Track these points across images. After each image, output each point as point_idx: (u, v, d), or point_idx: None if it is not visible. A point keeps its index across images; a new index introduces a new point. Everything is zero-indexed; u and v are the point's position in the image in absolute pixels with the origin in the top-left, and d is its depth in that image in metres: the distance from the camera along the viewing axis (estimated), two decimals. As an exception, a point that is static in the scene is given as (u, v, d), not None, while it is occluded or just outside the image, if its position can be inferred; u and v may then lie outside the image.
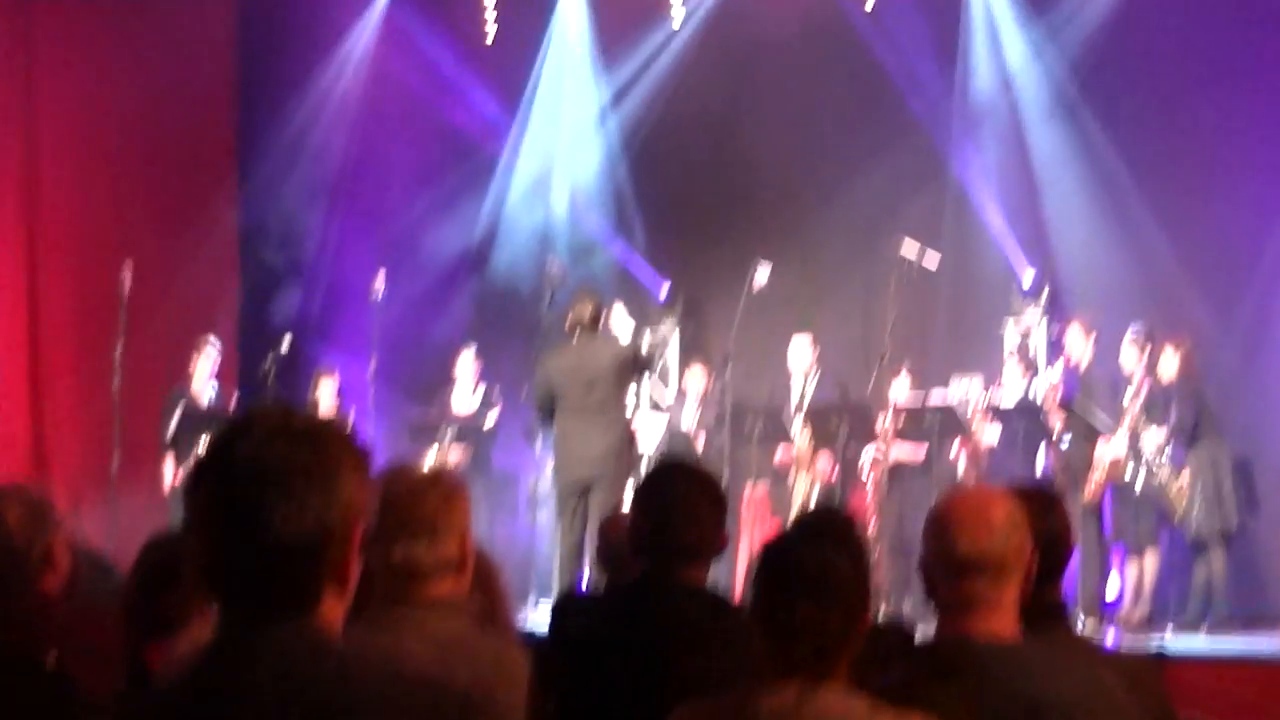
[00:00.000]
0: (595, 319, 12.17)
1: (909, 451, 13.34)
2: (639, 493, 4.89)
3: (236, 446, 2.42)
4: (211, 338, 14.17)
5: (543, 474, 14.09)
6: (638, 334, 14.01)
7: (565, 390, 12.03)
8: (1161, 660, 8.76)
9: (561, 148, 16.99)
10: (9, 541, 4.76)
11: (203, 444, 12.89)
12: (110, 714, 3.77)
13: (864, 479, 13.60)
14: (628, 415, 12.39)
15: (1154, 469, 12.13)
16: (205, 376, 13.98)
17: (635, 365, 12.18)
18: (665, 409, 14.75)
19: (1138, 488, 12.23)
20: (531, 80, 17.00)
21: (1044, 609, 4.43)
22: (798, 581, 3.37)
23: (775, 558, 3.47)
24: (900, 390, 13.46)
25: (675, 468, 5.06)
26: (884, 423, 13.26)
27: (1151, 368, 12.33)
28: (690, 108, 15.92)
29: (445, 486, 4.09)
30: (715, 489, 4.77)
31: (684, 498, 4.65)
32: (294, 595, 2.44)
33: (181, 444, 13.44)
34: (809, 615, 3.33)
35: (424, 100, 16.50)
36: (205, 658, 2.48)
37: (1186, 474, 12.03)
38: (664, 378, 15.74)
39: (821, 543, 3.44)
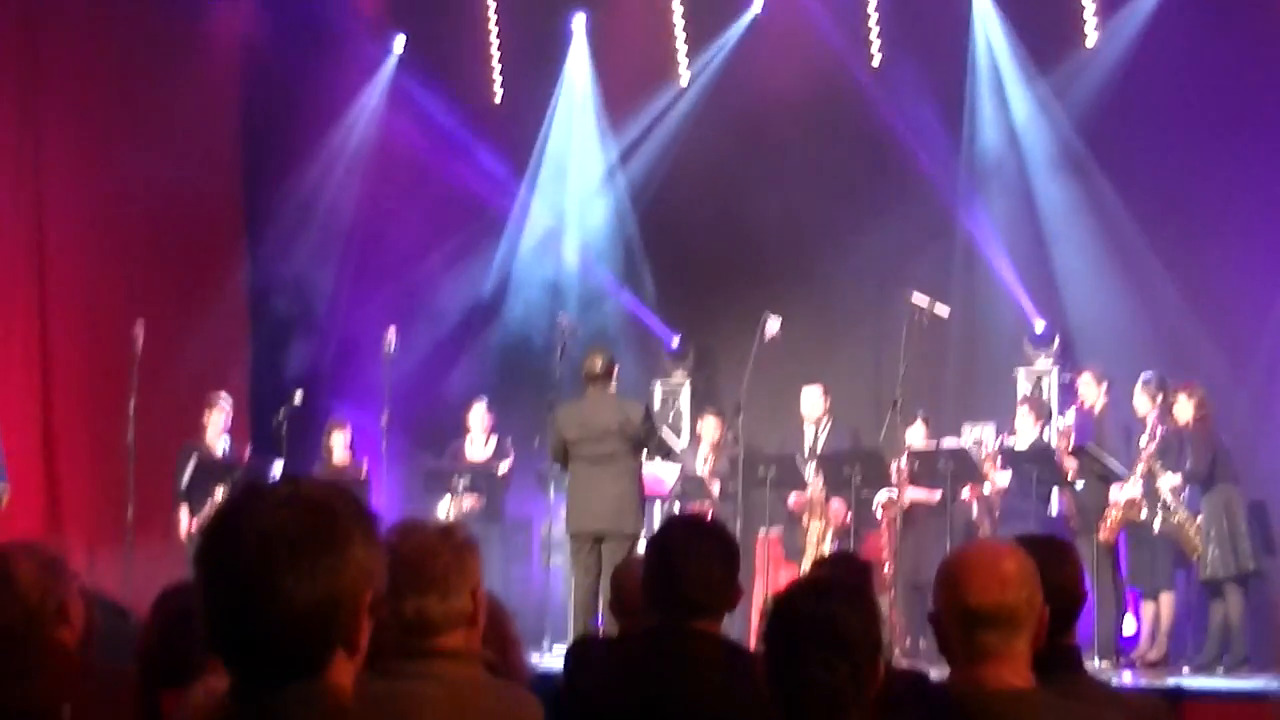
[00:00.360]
0: (607, 372, 12.26)
1: (923, 495, 13.35)
2: (651, 546, 4.89)
3: (245, 515, 2.43)
4: (223, 394, 14.24)
5: (556, 519, 14.12)
6: (649, 385, 14.06)
7: (576, 441, 12.18)
8: (1176, 700, 8.76)
9: (571, 204, 17.08)
10: (22, 597, 4.77)
11: (219, 493, 13.06)
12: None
13: (878, 522, 13.62)
14: (639, 464, 12.41)
15: (1171, 509, 12.12)
16: (218, 430, 14.05)
17: (641, 427, 12.20)
18: (678, 456, 14.77)
19: (1156, 527, 12.22)
20: (540, 139, 17.10)
21: (1058, 655, 4.44)
22: (806, 634, 3.37)
23: (784, 611, 3.48)
24: (915, 437, 13.49)
25: (688, 522, 5.08)
26: (899, 465, 13.28)
27: (1165, 413, 12.33)
28: (698, 164, 15.98)
29: (457, 541, 4.10)
30: (729, 544, 4.76)
31: (697, 554, 4.64)
32: (304, 660, 2.44)
33: (196, 495, 13.48)
34: (818, 668, 3.34)
35: (432, 159, 16.59)
36: (217, 718, 2.49)
37: (1202, 518, 12.03)
38: (676, 426, 15.78)
39: (830, 596, 3.46)
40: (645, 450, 12.47)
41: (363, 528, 2.48)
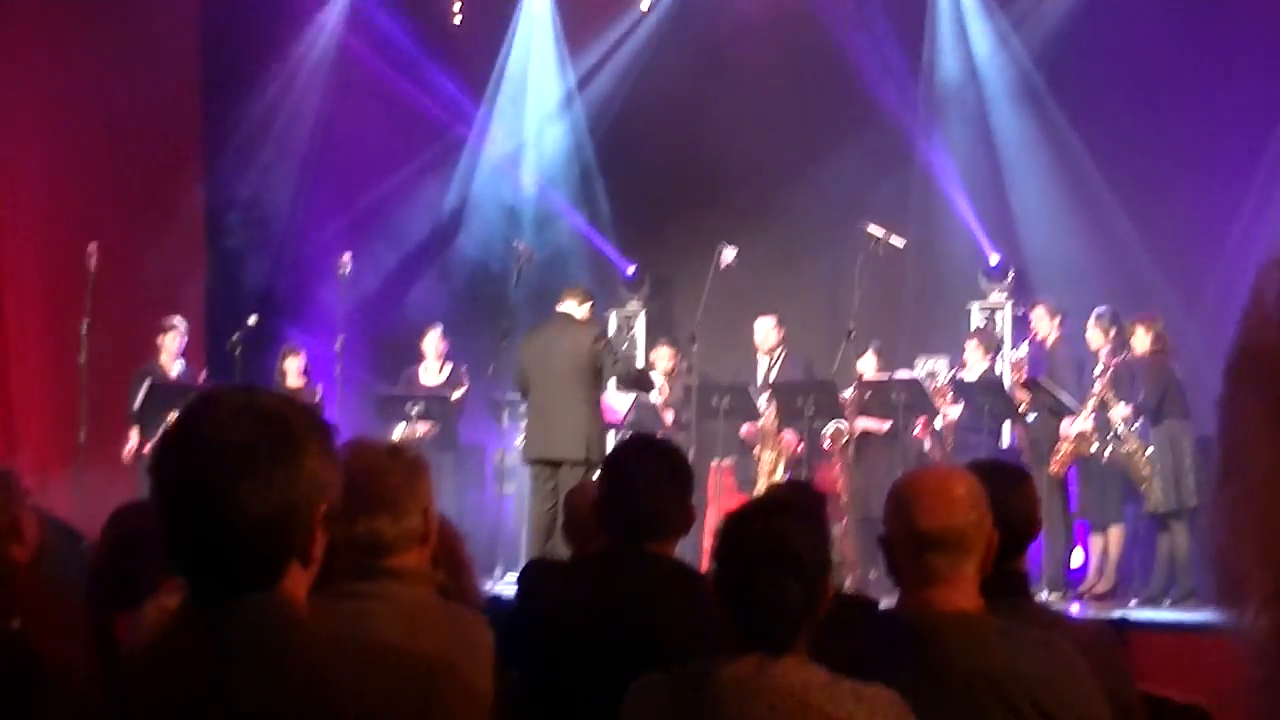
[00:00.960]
0: (579, 306, 12.42)
1: (874, 425, 13.38)
2: (605, 468, 4.90)
3: (201, 425, 2.44)
4: (177, 318, 14.14)
5: (509, 447, 14.16)
6: (603, 314, 14.10)
7: (534, 372, 12.26)
8: (1122, 630, 8.84)
9: (529, 129, 17.01)
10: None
11: (172, 418, 12.90)
12: (73, 680, 3.78)
13: (830, 451, 13.66)
14: (598, 394, 12.47)
15: (1121, 439, 12.19)
16: (173, 354, 13.96)
17: (600, 355, 12.26)
18: (649, 379, 14.81)
19: (1105, 457, 12.28)
20: (499, 62, 17.01)
21: (1007, 581, 4.49)
22: (757, 553, 3.40)
23: (735, 530, 3.50)
24: (867, 367, 13.52)
25: (642, 443, 5.07)
26: (849, 395, 13.32)
27: (1118, 347, 12.38)
28: (657, 91, 15.94)
29: (407, 460, 4.10)
30: (682, 465, 4.76)
31: (650, 474, 4.65)
32: (259, 571, 2.46)
33: (149, 418, 13.39)
34: (769, 586, 3.36)
35: (391, 82, 16.48)
36: (171, 629, 2.50)
37: (1151, 449, 12.09)
38: (630, 355, 15.80)
39: (780, 516, 3.48)
40: (611, 376, 12.53)
41: (318, 439, 2.49)
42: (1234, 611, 0.93)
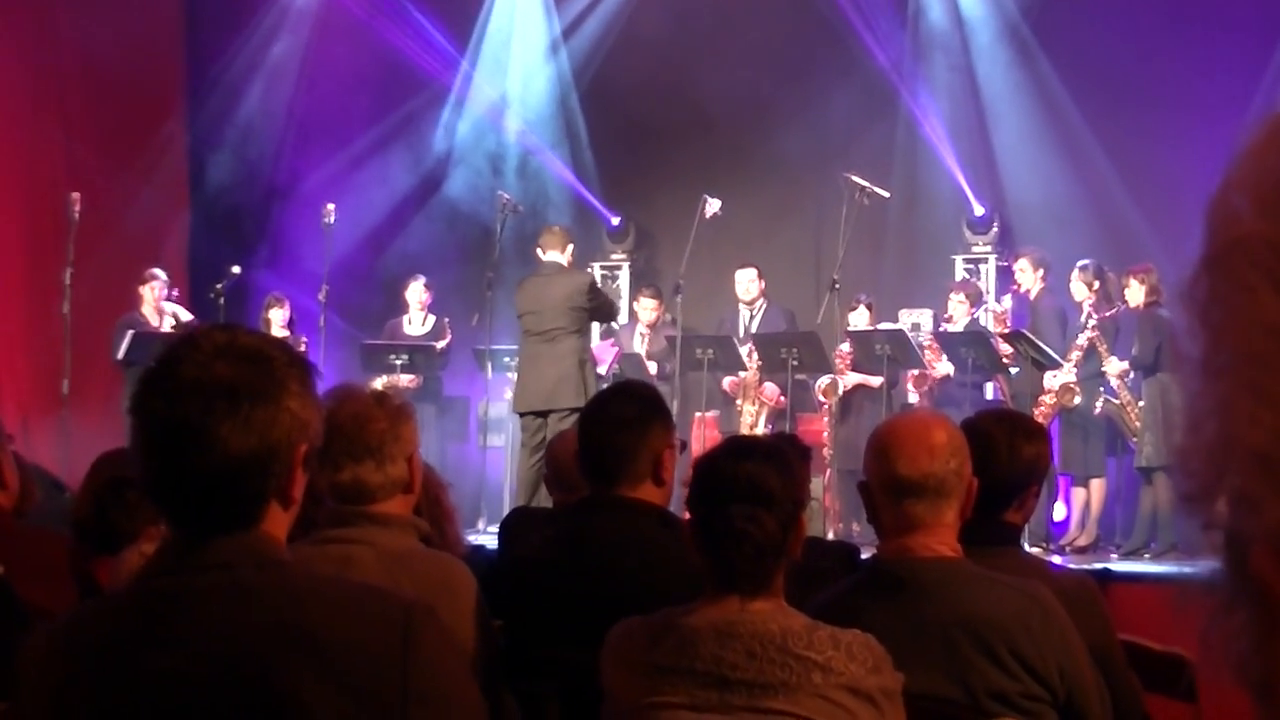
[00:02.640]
0: (560, 249, 12.43)
1: (864, 379, 13.37)
2: (584, 414, 4.88)
3: (182, 364, 2.44)
4: (157, 270, 14.09)
5: (493, 398, 14.17)
6: (588, 264, 14.09)
7: (524, 320, 12.30)
8: (1104, 581, 8.88)
9: (513, 79, 16.94)
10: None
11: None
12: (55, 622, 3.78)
13: (819, 406, 13.67)
14: (586, 342, 12.49)
15: (1116, 391, 12.20)
16: (154, 304, 13.92)
17: (588, 300, 12.29)
18: (616, 334, 14.83)
19: (1098, 408, 12.29)
20: (484, 10, 16.93)
21: (999, 530, 4.52)
22: (729, 491, 3.40)
23: (707, 472, 3.51)
24: (859, 321, 13.48)
25: (614, 388, 5.05)
26: (841, 350, 13.32)
27: (1103, 300, 12.37)
28: (642, 41, 15.87)
29: (392, 408, 4.11)
30: (650, 407, 4.68)
31: (616, 416, 4.63)
32: (239, 510, 2.47)
33: (136, 365, 13.39)
34: (744, 521, 3.37)
35: (376, 30, 16.39)
36: (151, 568, 2.51)
37: (1143, 403, 12.09)
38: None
39: (749, 456, 3.49)
40: (596, 318, 12.57)
41: (299, 378, 2.50)
42: (1217, 513, 0.92)
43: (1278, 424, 0.87)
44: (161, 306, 13.87)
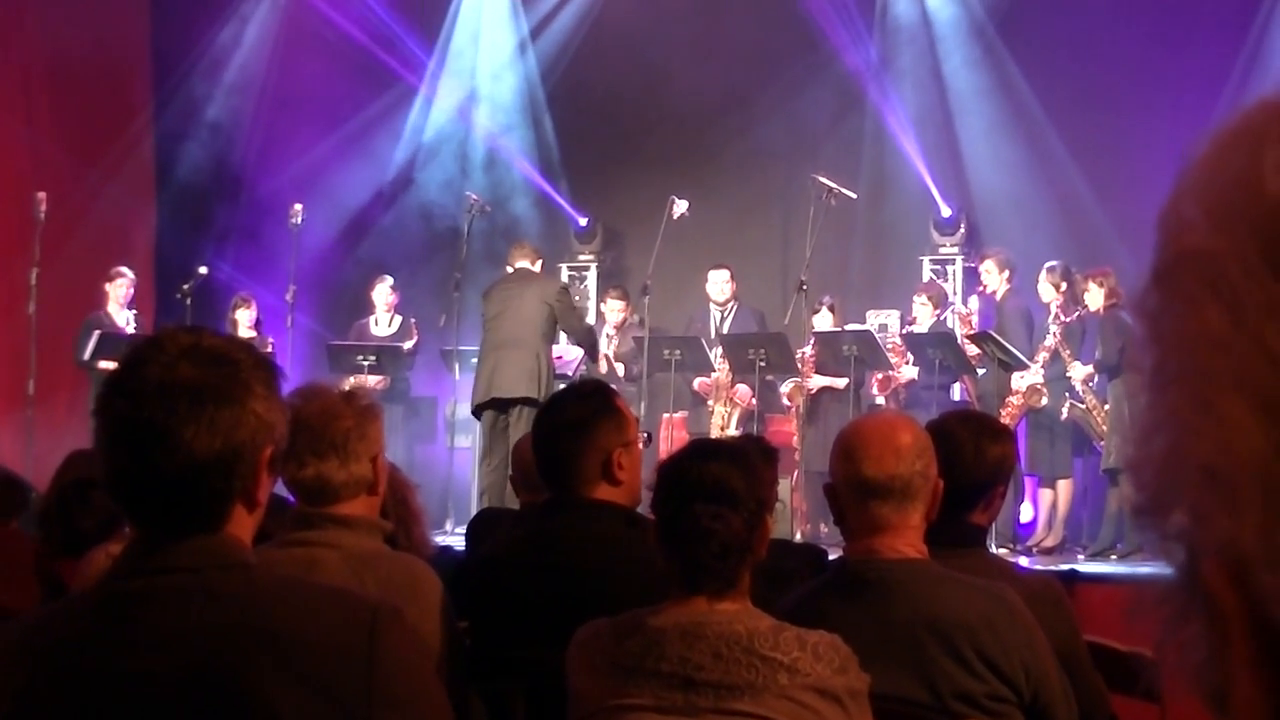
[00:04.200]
0: (531, 263, 12.52)
1: (830, 382, 13.38)
2: (537, 417, 4.85)
3: (147, 366, 2.43)
4: (123, 268, 14.06)
5: (461, 399, 14.16)
6: (555, 265, 14.11)
7: (488, 322, 12.32)
8: (1070, 582, 8.91)
9: (482, 79, 16.93)
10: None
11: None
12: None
13: (786, 408, 13.69)
14: (550, 345, 12.49)
15: (1081, 396, 12.23)
16: (120, 304, 13.89)
17: (558, 300, 12.31)
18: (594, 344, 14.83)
19: (1064, 413, 12.32)
20: (451, 10, 16.92)
21: (963, 532, 4.53)
22: (695, 491, 3.41)
23: (672, 473, 3.52)
24: (823, 324, 13.49)
25: (572, 390, 5.01)
26: (804, 353, 13.32)
27: (1070, 302, 12.40)
28: (611, 41, 15.88)
29: (359, 407, 4.10)
30: (611, 407, 4.64)
31: (575, 420, 4.60)
32: (203, 512, 2.46)
33: (102, 367, 13.36)
34: (709, 519, 3.37)
35: (343, 29, 16.37)
36: (117, 570, 2.51)
37: (1109, 406, 12.13)
38: (581, 307, 15.81)
39: (714, 457, 3.49)
40: (566, 327, 12.55)
41: (264, 381, 2.49)
42: (1173, 528, 0.93)
43: (1223, 438, 0.88)
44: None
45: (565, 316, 12.44)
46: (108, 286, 13.86)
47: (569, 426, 4.54)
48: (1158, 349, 0.96)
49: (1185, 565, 0.93)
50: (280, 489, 2.66)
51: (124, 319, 13.84)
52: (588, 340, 13.10)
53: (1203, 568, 0.91)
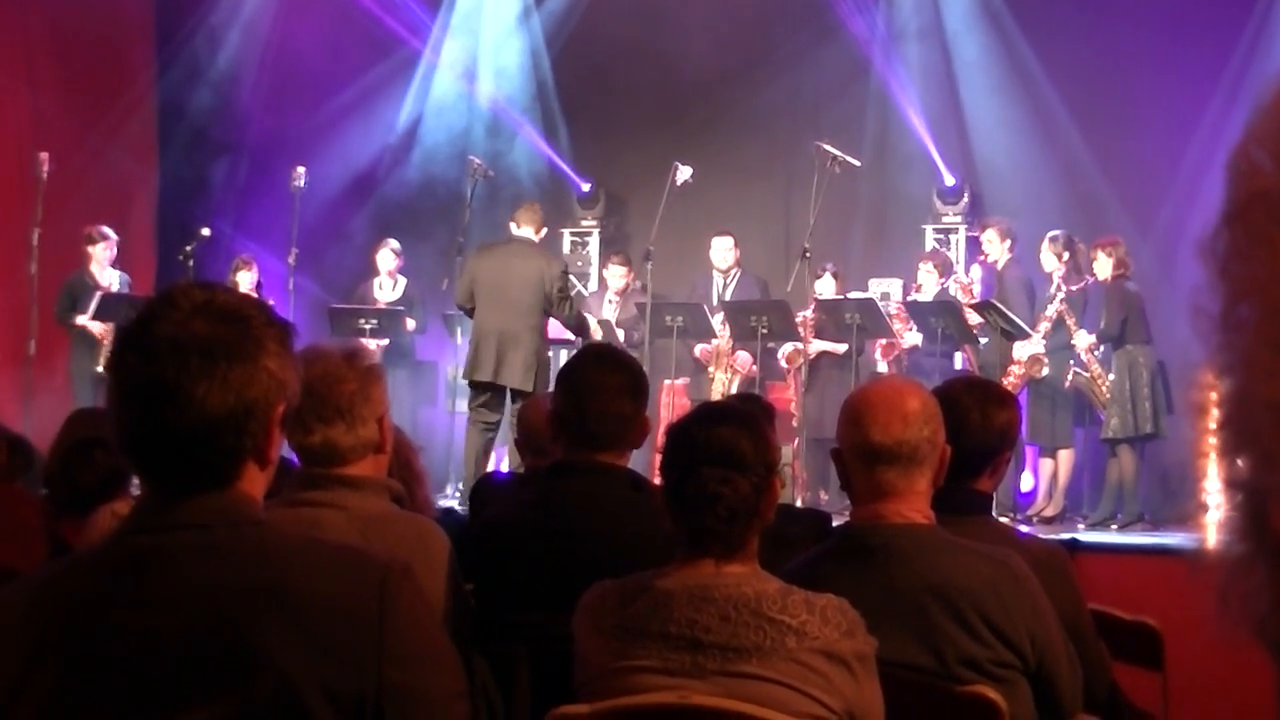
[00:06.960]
0: (535, 229, 12.39)
1: (829, 347, 13.37)
2: (561, 378, 4.85)
3: (160, 322, 2.43)
4: (105, 228, 13.94)
5: (462, 363, 14.14)
6: (558, 231, 14.07)
7: (487, 290, 12.19)
8: (1072, 551, 8.91)
9: (485, 44, 16.87)
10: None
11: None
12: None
13: (785, 373, 13.69)
14: (544, 322, 12.41)
15: (1085, 364, 12.23)
16: (103, 265, 13.80)
17: (556, 287, 12.23)
18: (589, 333, 14.80)
19: (1069, 381, 12.32)
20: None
21: (969, 499, 4.53)
22: (703, 455, 3.40)
23: (679, 437, 3.51)
24: (826, 289, 13.48)
25: (599, 353, 5.01)
26: (805, 317, 13.30)
27: (1072, 271, 12.39)
28: (615, 6, 15.83)
29: (363, 368, 4.09)
30: (638, 378, 4.70)
31: (605, 387, 4.62)
32: (215, 469, 2.46)
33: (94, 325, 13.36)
34: (717, 483, 3.37)
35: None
36: (127, 526, 2.50)
37: (1112, 376, 12.12)
38: (584, 273, 15.80)
39: (722, 420, 3.49)
40: (559, 313, 12.46)
41: (277, 339, 2.49)
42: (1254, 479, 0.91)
43: None
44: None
45: (560, 304, 12.34)
46: (90, 249, 13.76)
47: (624, 393, 4.61)
48: (1227, 290, 0.95)
49: (1251, 510, 0.92)
50: (284, 450, 2.65)
51: (108, 280, 13.75)
52: (577, 328, 13.03)
53: (1270, 511, 0.90)
